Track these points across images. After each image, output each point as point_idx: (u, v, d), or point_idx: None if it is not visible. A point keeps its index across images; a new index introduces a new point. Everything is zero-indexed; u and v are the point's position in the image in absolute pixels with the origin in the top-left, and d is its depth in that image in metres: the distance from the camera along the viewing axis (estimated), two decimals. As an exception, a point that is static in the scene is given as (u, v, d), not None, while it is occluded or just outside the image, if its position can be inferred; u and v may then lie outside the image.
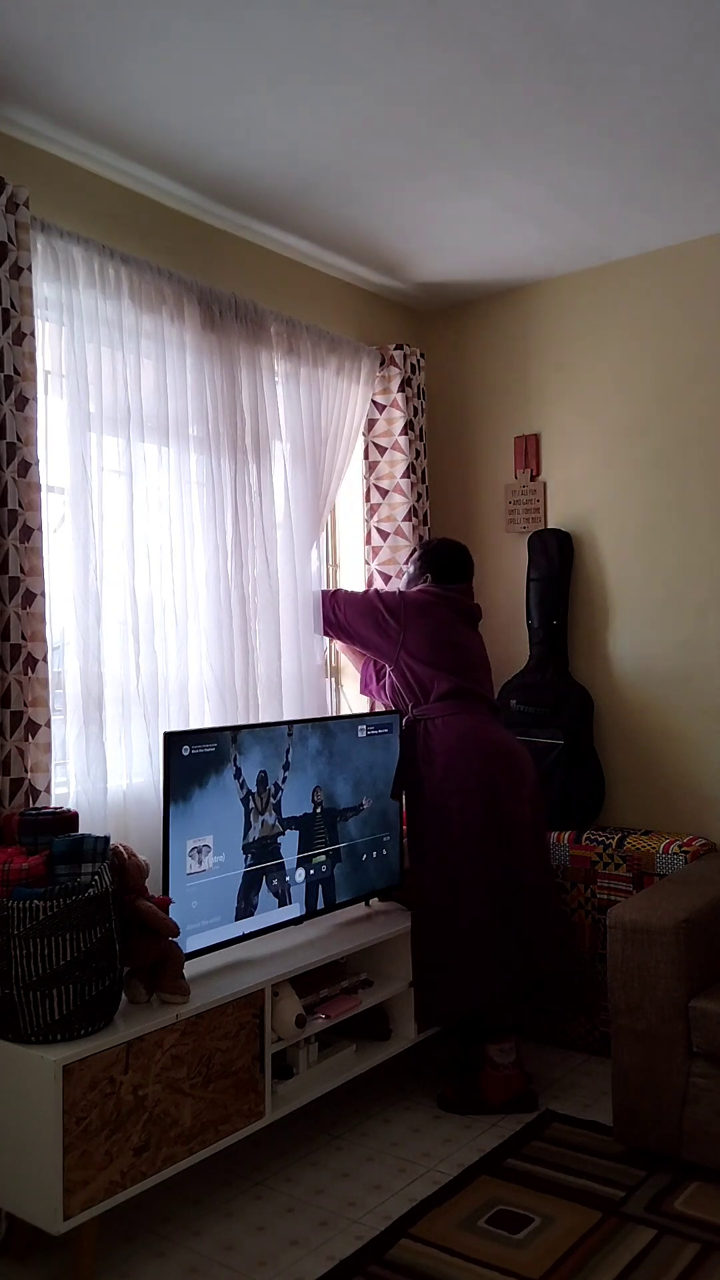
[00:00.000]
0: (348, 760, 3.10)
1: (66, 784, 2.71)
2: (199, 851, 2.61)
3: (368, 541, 3.81)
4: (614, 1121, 2.75)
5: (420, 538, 3.85)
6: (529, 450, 3.90)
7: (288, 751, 2.88)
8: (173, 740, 2.54)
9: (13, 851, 2.25)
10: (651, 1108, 2.67)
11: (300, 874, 2.93)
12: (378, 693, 3.48)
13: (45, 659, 2.53)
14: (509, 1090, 3.03)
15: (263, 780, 2.80)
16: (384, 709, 3.46)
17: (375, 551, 3.80)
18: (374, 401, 3.81)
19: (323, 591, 3.39)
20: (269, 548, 3.20)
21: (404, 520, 3.81)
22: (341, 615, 3.36)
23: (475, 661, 3.34)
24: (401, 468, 3.81)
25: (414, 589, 3.40)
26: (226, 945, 2.68)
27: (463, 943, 3.01)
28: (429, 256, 3.61)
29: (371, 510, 3.81)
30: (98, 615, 2.72)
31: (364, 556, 3.82)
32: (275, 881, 2.84)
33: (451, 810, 3.07)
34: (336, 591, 3.42)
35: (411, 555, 3.60)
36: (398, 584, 3.70)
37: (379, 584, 3.79)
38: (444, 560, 3.46)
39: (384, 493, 3.81)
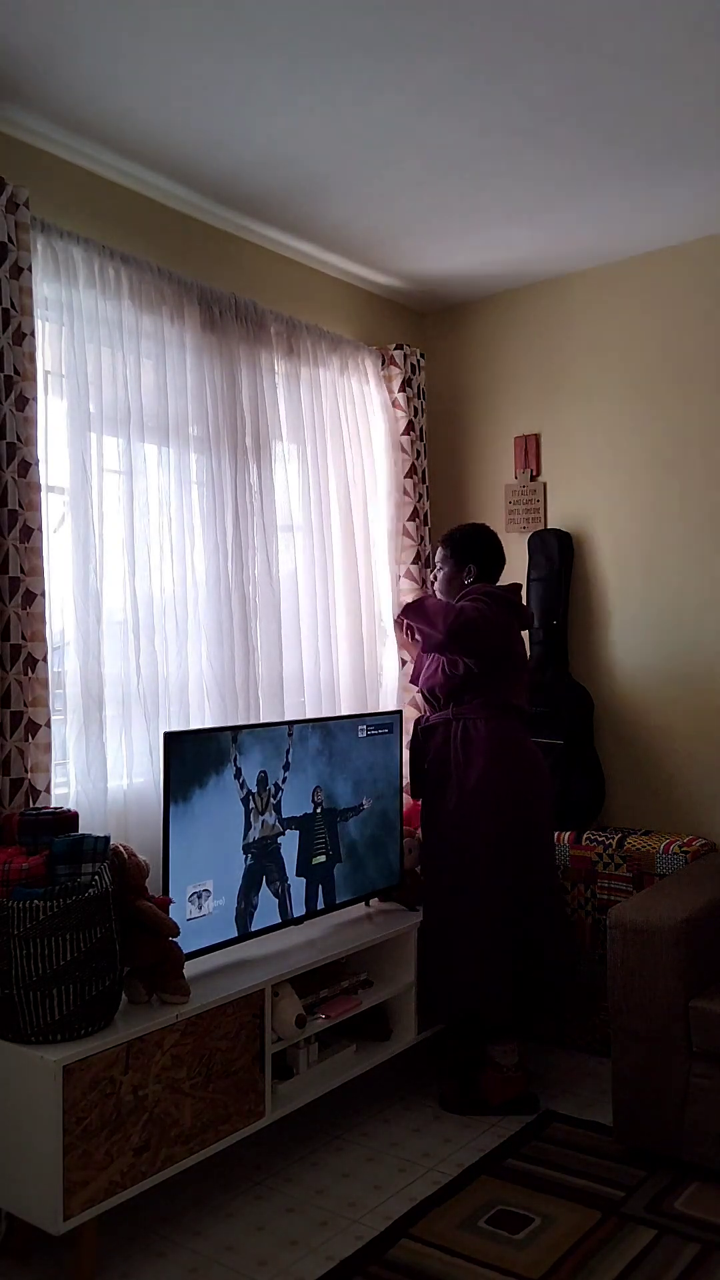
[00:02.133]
0: (348, 760, 3.10)
1: (66, 784, 2.71)
2: (199, 896, 2.61)
3: (372, 542, 3.80)
4: (614, 1121, 2.75)
5: (421, 539, 3.84)
6: (529, 450, 3.90)
7: (288, 751, 2.88)
8: (173, 740, 2.54)
9: (13, 851, 2.25)
10: (651, 1108, 2.67)
11: (300, 874, 2.93)
12: (433, 682, 3.21)
13: (45, 659, 2.53)
14: (509, 1091, 3.01)
15: (263, 780, 2.80)
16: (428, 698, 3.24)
17: (382, 550, 3.79)
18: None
19: (446, 604, 3.08)
20: (269, 548, 3.20)
21: (408, 520, 3.82)
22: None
23: (522, 671, 3.21)
24: (403, 468, 3.81)
25: (478, 598, 3.07)
26: (226, 945, 2.68)
27: (474, 942, 2.99)
28: (429, 256, 3.61)
29: (377, 509, 3.80)
30: (98, 615, 2.72)
31: (366, 557, 3.80)
32: (275, 882, 2.84)
33: (482, 815, 3.02)
34: (457, 606, 3.06)
35: (440, 552, 3.25)
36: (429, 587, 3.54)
37: (382, 582, 3.77)
38: (489, 554, 3.21)
39: (385, 493, 3.81)
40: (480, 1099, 3.04)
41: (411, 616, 3.10)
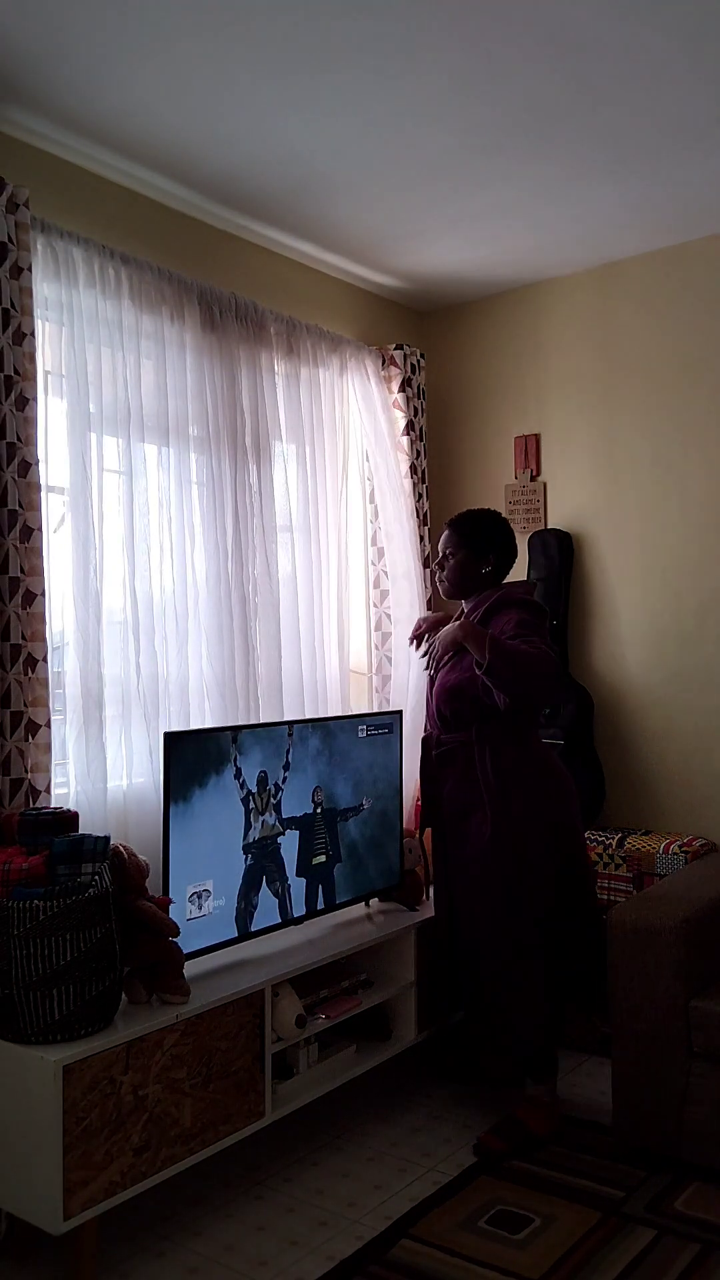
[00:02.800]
0: (348, 760, 3.09)
1: (66, 784, 2.71)
2: (199, 896, 2.61)
3: (374, 543, 3.80)
4: (614, 1121, 2.75)
5: (422, 539, 3.84)
6: (529, 450, 3.90)
7: (288, 752, 2.88)
8: (173, 740, 2.54)
9: (13, 851, 2.25)
10: (651, 1108, 2.67)
11: (300, 874, 2.93)
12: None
13: (45, 659, 2.53)
14: (552, 1121, 2.86)
15: (263, 780, 2.80)
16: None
17: (380, 553, 3.80)
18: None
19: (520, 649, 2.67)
20: (269, 548, 3.20)
21: (407, 521, 3.81)
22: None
23: None
24: (403, 468, 3.80)
25: (520, 605, 2.80)
26: (226, 945, 2.68)
27: (520, 986, 2.81)
28: (429, 257, 3.61)
29: (377, 509, 3.80)
30: (98, 615, 2.72)
31: (370, 558, 3.81)
32: (275, 882, 2.84)
33: (530, 847, 2.79)
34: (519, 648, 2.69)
35: (449, 538, 2.93)
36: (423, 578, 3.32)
37: (386, 582, 3.77)
38: (507, 546, 2.94)
39: (386, 492, 3.81)
40: (526, 1131, 2.82)
41: (499, 661, 2.64)
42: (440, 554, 2.97)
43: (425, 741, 2.99)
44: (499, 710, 2.77)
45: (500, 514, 2.99)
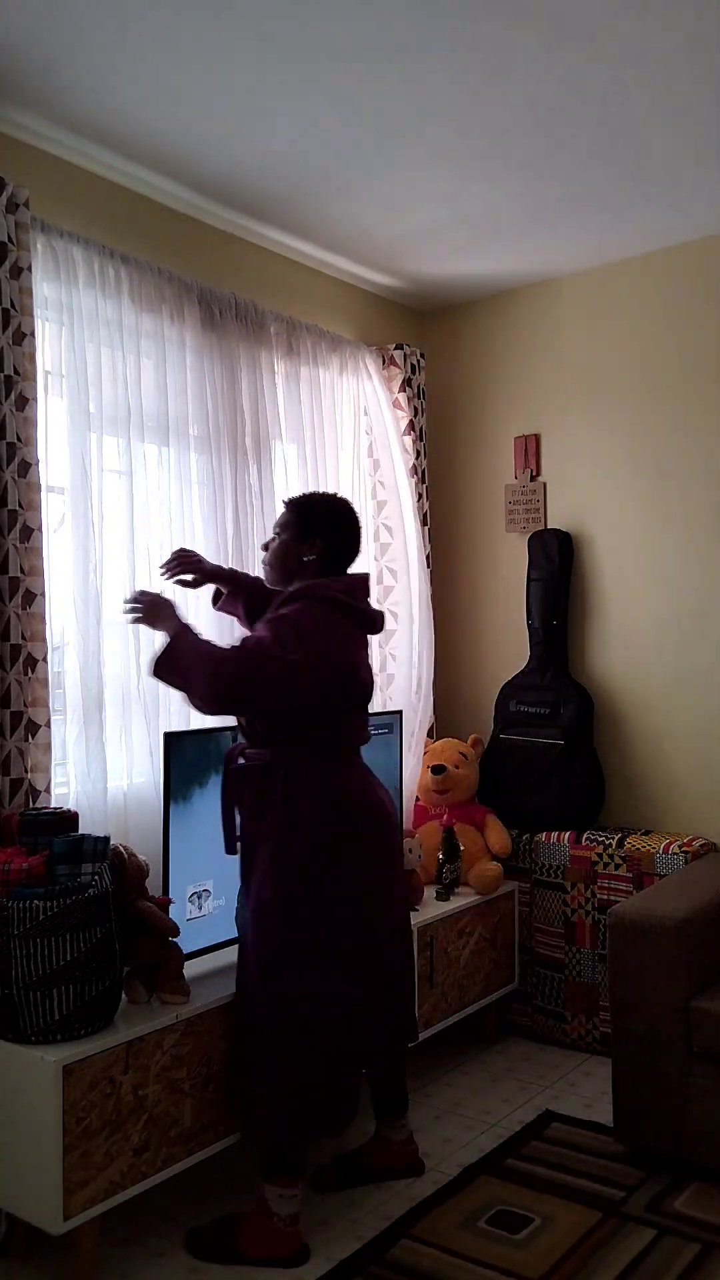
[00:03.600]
0: (348, 760, 3.09)
1: (66, 784, 2.71)
2: (199, 897, 2.61)
3: (376, 539, 3.80)
4: (614, 1121, 2.75)
5: (422, 539, 3.84)
6: (529, 450, 3.90)
7: (288, 751, 2.88)
8: (173, 740, 2.54)
9: (13, 851, 2.25)
10: (651, 1108, 2.67)
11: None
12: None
13: (45, 659, 2.53)
14: (274, 1248, 2.31)
15: (263, 780, 2.79)
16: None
17: (384, 549, 3.79)
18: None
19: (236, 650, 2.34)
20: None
21: (408, 520, 3.81)
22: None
23: (368, 699, 2.51)
24: (403, 468, 3.80)
25: (306, 601, 2.41)
26: (227, 945, 2.68)
27: (301, 1061, 2.34)
28: (429, 257, 3.61)
29: (378, 508, 3.80)
30: (98, 615, 2.71)
31: (372, 554, 3.80)
32: (275, 881, 2.84)
33: (304, 906, 2.34)
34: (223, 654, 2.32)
35: (282, 515, 2.58)
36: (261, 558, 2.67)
37: (386, 581, 3.76)
38: (342, 532, 2.53)
39: (387, 492, 3.80)
40: (232, 1246, 2.35)
41: (164, 662, 2.31)
42: (274, 532, 2.61)
43: (229, 753, 2.52)
44: (303, 725, 2.38)
45: (347, 501, 2.60)
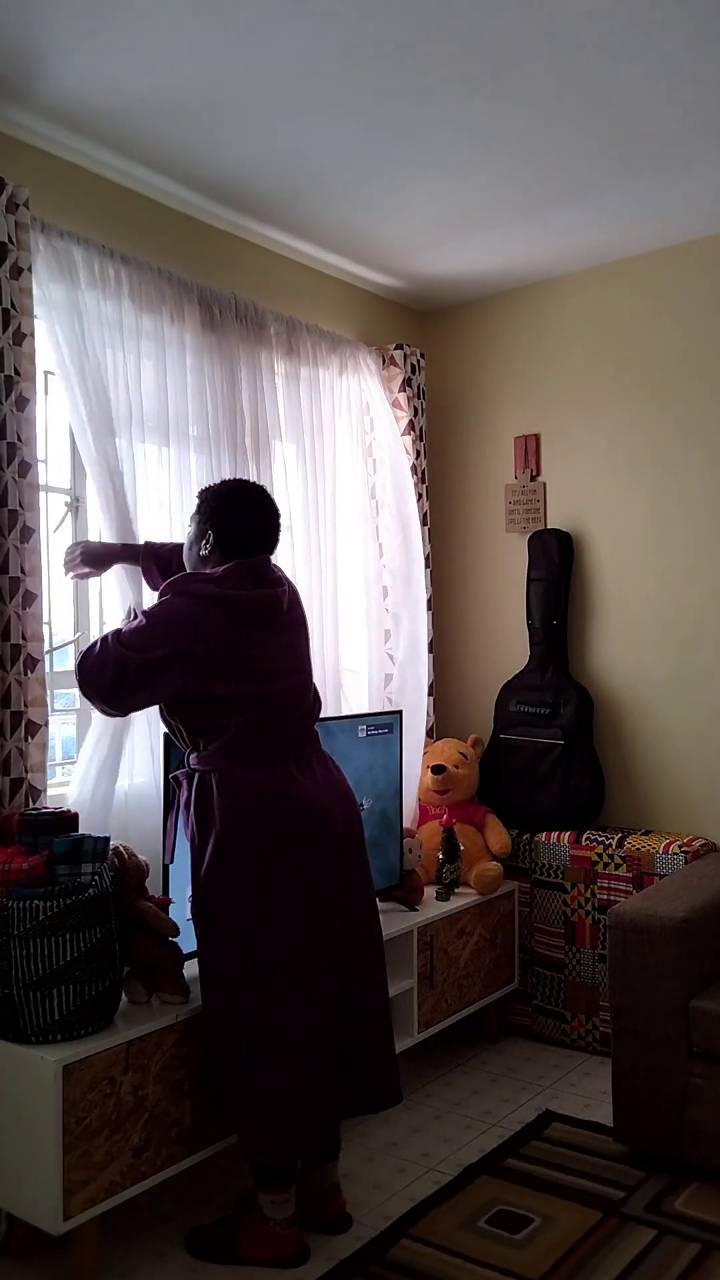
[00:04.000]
0: (347, 760, 3.09)
1: (67, 784, 2.71)
2: None
3: (376, 539, 3.80)
4: (614, 1121, 2.75)
5: (422, 539, 3.83)
6: (529, 450, 3.90)
7: (288, 751, 2.88)
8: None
9: (13, 851, 2.25)
10: (651, 1108, 2.67)
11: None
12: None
13: (45, 659, 2.53)
14: (273, 1250, 2.31)
15: (263, 780, 2.79)
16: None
17: (383, 549, 3.79)
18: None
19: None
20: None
21: (408, 520, 3.81)
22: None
23: (274, 681, 2.35)
24: (404, 468, 3.80)
25: (170, 596, 2.32)
26: (226, 945, 2.67)
27: (277, 1070, 2.25)
28: (429, 257, 3.61)
29: (378, 508, 3.80)
30: (98, 615, 2.71)
31: (372, 554, 3.80)
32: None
33: (230, 905, 2.26)
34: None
35: (192, 513, 2.49)
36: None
37: (386, 581, 3.76)
38: (238, 520, 2.40)
39: (387, 492, 3.80)
40: (233, 1250, 2.33)
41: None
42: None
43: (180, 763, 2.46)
44: (204, 727, 2.31)
45: (247, 485, 2.48)
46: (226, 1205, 2.57)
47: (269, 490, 3.16)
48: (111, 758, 2.69)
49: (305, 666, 2.46)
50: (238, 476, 3.01)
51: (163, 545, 2.67)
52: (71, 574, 2.65)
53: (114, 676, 2.24)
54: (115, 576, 2.71)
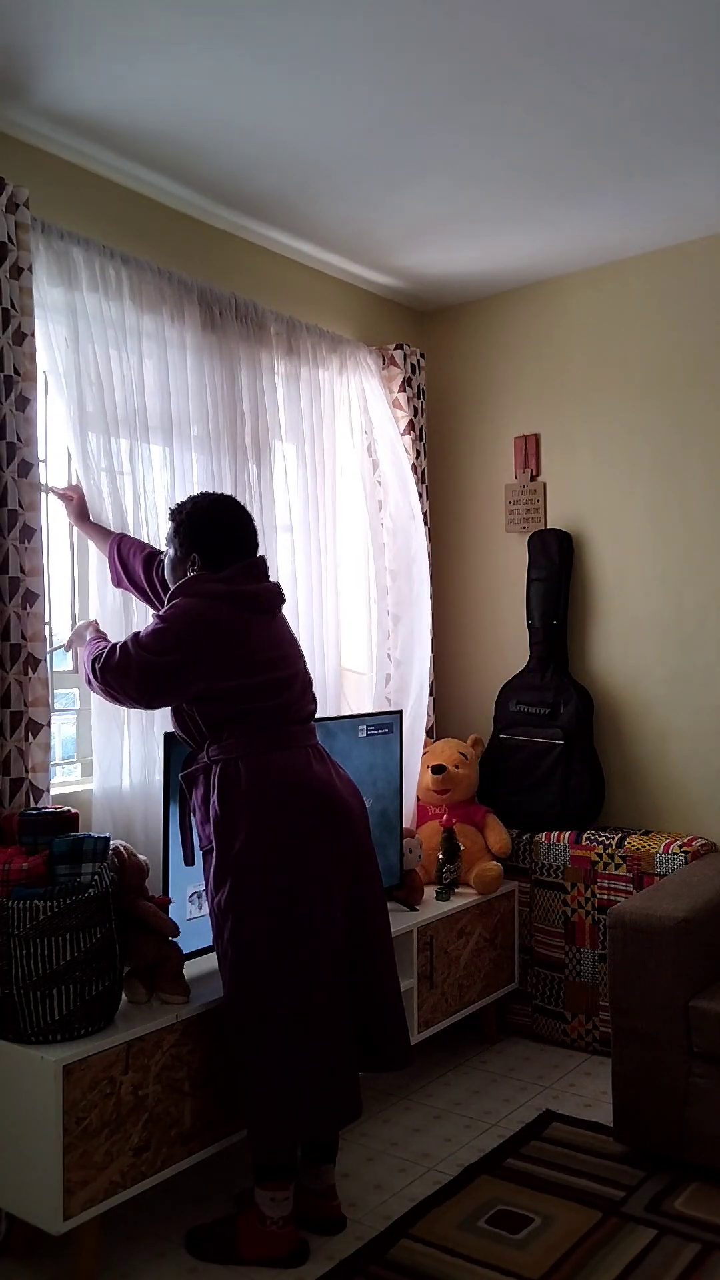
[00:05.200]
0: (347, 760, 3.09)
1: (67, 784, 2.71)
2: (199, 897, 2.61)
3: (376, 539, 3.79)
4: (614, 1121, 2.75)
5: (423, 539, 3.83)
6: (529, 450, 3.90)
7: (288, 751, 2.88)
8: (173, 740, 2.54)
9: (13, 851, 2.25)
10: (651, 1108, 2.67)
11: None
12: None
13: (45, 659, 2.53)
14: (271, 1248, 2.33)
15: (263, 780, 2.79)
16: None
17: (383, 549, 3.79)
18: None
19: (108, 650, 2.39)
20: (269, 548, 3.20)
21: (409, 520, 3.81)
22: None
23: (282, 668, 2.44)
24: (404, 468, 3.80)
25: (182, 598, 2.39)
26: (226, 945, 2.67)
27: (303, 1055, 2.30)
28: (429, 257, 3.61)
29: (378, 508, 3.79)
30: (98, 615, 2.71)
31: (372, 554, 3.80)
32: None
33: (259, 905, 2.29)
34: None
35: (169, 528, 2.53)
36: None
37: (386, 581, 3.76)
38: (220, 537, 2.46)
39: (387, 491, 3.80)
40: (232, 1249, 2.35)
41: (89, 675, 2.42)
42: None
43: (185, 761, 2.51)
44: (219, 718, 2.36)
45: (222, 500, 2.53)
46: (226, 1205, 2.57)
47: (263, 492, 3.18)
48: (97, 757, 2.69)
49: (302, 655, 2.58)
50: (215, 489, 3.00)
51: (131, 545, 2.70)
52: (57, 493, 2.77)
53: (139, 680, 2.32)
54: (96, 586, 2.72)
